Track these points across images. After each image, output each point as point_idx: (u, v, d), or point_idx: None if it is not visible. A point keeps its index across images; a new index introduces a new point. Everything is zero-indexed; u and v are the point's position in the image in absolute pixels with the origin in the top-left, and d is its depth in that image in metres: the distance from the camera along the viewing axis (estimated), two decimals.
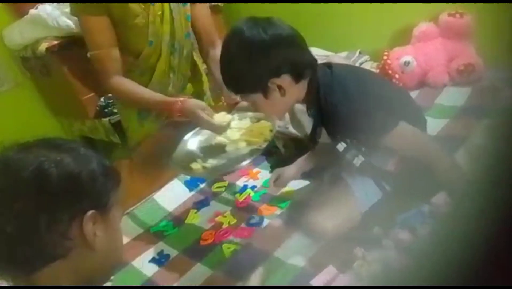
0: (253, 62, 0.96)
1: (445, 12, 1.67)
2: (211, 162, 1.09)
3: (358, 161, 1.06)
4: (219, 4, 2.14)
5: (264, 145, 1.06)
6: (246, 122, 1.19)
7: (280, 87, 0.99)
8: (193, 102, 1.16)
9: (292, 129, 1.56)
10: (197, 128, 1.22)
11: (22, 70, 1.93)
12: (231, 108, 1.33)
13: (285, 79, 0.99)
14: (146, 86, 1.33)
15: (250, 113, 1.22)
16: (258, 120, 1.18)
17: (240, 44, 0.97)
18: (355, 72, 1.14)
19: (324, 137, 1.12)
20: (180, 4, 1.34)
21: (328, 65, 1.06)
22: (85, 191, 0.58)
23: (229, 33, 1.01)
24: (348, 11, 1.89)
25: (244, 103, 1.27)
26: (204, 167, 1.08)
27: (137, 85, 1.27)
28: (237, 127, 1.16)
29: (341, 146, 1.06)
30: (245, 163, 1.03)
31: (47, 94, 2.02)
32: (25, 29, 1.74)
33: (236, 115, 1.22)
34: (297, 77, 1.00)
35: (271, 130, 1.10)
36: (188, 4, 1.36)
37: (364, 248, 0.99)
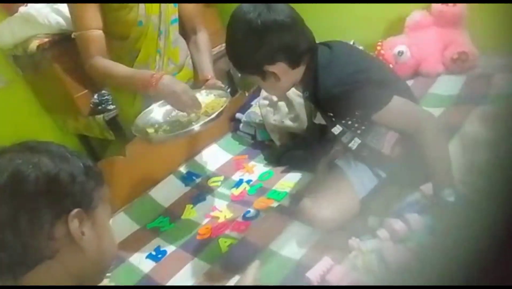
0: (248, 48, 0.99)
1: None
2: (165, 128, 1.20)
3: (355, 144, 1.06)
4: None
5: (209, 118, 1.12)
6: (209, 98, 1.27)
7: (274, 74, 1.01)
8: (172, 80, 1.17)
9: (288, 123, 1.56)
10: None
11: (14, 68, 1.92)
12: (202, 84, 1.34)
13: (280, 66, 1.00)
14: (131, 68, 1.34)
15: (215, 91, 1.29)
16: (221, 96, 1.26)
17: (238, 28, 1.00)
18: (351, 50, 1.15)
19: (320, 119, 1.12)
20: None
21: (329, 45, 1.05)
22: (66, 190, 0.57)
23: (231, 14, 1.03)
24: (342, 3, 1.88)
25: (211, 82, 1.31)
26: (156, 131, 1.19)
27: (116, 63, 1.26)
28: (201, 102, 1.23)
29: (337, 129, 1.05)
30: (186, 130, 1.12)
31: (40, 92, 2.01)
32: (16, 28, 1.73)
33: (204, 91, 1.30)
34: (293, 64, 1.02)
35: (222, 106, 1.17)
36: None
37: (359, 238, 0.99)
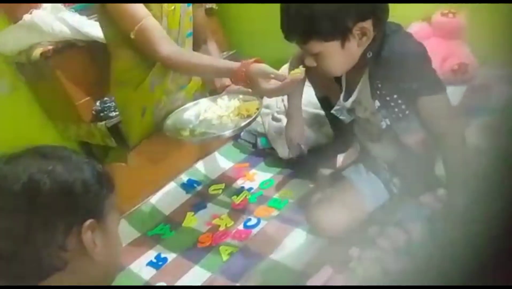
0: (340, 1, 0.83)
1: (438, 12, 1.68)
2: (199, 130, 1.22)
3: (384, 124, 0.98)
4: (214, 6, 2.14)
5: (248, 120, 1.14)
6: (234, 102, 1.28)
7: (363, 34, 0.87)
8: (256, 68, 1.04)
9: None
10: (197, 101, 1.34)
11: (17, 75, 1.93)
12: (221, 91, 1.35)
13: (369, 24, 0.86)
14: (146, 77, 1.35)
15: (239, 95, 1.30)
16: (246, 100, 1.27)
17: None
18: None
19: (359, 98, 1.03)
20: (185, 5, 1.37)
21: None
22: (80, 200, 0.55)
23: None
24: None
25: (234, 87, 1.30)
26: (191, 134, 1.20)
27: (193, 52, 1.27)
28: (226, 106, 1.26)
29: (376, 104, 0.97)
30: (227, 132, 1.15)
31: (43, 99, 2.02)
32: (19, 35, 1.74)
33: (225, 97, 1.31)
34: (378, 23, 0.88)
35: (257, 108, 1.18)
36: (191, 6, 1.40)
37: (360, 247, 0.99)
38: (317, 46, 0.89)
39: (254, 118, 1.16)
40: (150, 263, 1.25)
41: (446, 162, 0.97)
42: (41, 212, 0.52)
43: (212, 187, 1.54)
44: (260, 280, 1.05)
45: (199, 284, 1.13)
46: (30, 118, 2.01)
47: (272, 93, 1.05)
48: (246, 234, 1.25)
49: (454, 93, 1.57)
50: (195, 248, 1.27)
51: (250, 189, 1.47)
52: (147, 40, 1.18)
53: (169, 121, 1.28)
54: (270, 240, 1.19)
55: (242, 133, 1.73)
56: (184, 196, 1.53)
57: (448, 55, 1.65)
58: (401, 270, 0.88)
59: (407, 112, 0.95)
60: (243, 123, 1.15)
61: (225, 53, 2.21)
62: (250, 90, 1.21)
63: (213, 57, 1.25)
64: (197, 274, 1.17)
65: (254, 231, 1.26)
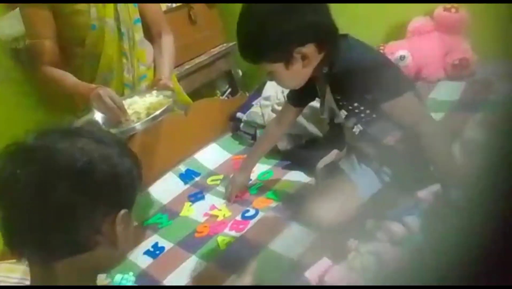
0: (276, 28, 0.91)
1: (440, 6, 1.67)
2: (105, 128, 1.18)
3: (357, 129, 1.04)
4: None
5: (147, 118, 1.16)
6: (158, 99, 1.27)
7: (304, 57, 0.95)
8: (102, 89, 1.19)
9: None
10: (125, 96, 1.32)
11: (13, 62, 1.91)
12: (161, 86, 1.32)
13: (311, 48, 0.94)
14: (95, 74, 1.34)
15: (165, 92, 1.28)
16: (169, 97, 1.26)
17: (262, 10, 0.93)
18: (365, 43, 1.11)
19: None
20: None
21: (344, 35, 1.02)
22: (123, 190, 0.59)
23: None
24: (343, 6, 1.89)
25: (163, 82, 1.30)
26: None
27: (65, 73, 1.28)
28: (150, 102, 1.26)
29: (342, 114, 1.03)
30: (135, 125, 1.16)
31: (39, 86, 2.00)
32: (17, 21, 1.72)
33: (154, 92, 1.29)
34: (322, 46, 0.96)
35: (163, 107, 1.18)
36: None
37: (358, 240, 0.99)
38: (266, 66, 0.99)
39: (155, 117, 1.15)
40: (147, 252, 1.25)
41: (427, 153, 0.99)
42: (90, 192, 0.55)
43: (211, 178, 1.53)
44: (257, 270, 1.05)
45: (196, 274, 1.13)
46: (25, 106, 1.99)
47: (105, 111, 1.19)
48: (244, 224, 1.25)
49: (455, 88, 1.58)
50: (193, 238, 1.26)
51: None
52: (34, 57, 1.29)
53: (77, 123, 1.27)
54: (268, 231, 1.19)
55: (241, 125, 1.72)
56: (182, 186, 1.53)
57: (450, 50, 1.65)
58: (398, 263, 0.88)
59: (374, 116, 1.01)
60: (142, 121, 1.15)
61: (225, 45, 2.20)
62: (171, 86, 1.27)
63: (75, 79, 1.27)
64: (194, 263, 1.16)
65: (252, 222, 1.26)
